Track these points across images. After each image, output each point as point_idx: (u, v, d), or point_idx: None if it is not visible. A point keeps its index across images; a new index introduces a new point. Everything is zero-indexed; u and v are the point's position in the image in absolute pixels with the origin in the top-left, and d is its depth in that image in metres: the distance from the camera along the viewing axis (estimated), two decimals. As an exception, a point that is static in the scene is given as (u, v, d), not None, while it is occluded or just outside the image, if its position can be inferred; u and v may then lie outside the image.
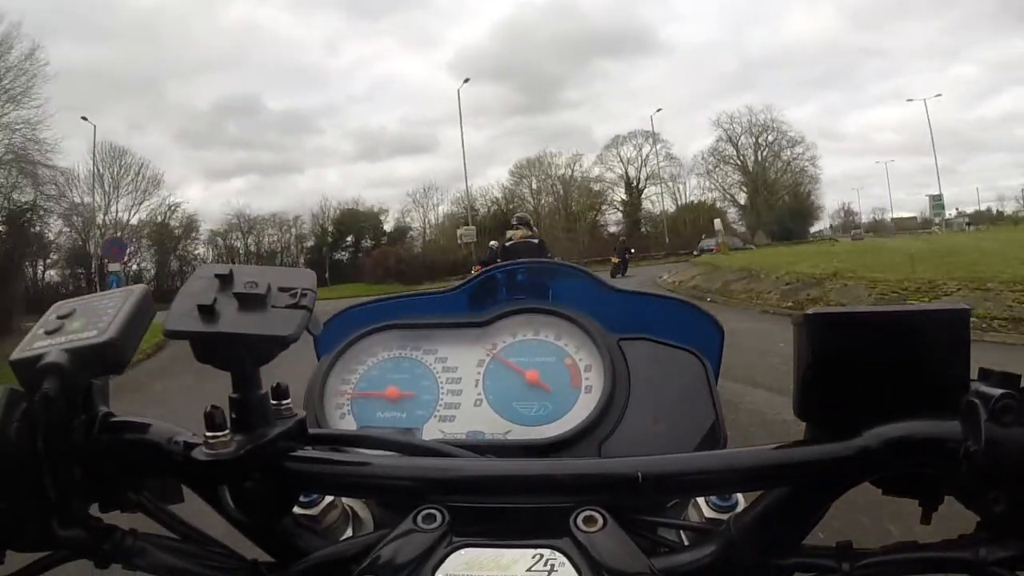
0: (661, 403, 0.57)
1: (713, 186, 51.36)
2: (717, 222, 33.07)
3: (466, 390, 0.60)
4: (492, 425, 0.58)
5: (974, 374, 0.34)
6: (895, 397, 0.34)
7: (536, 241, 6.19)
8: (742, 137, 51.19)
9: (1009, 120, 69.06)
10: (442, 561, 0.33)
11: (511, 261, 0.75)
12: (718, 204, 49.82)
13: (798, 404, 0.36)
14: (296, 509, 0.46)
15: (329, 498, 0.49)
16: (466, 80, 39.54)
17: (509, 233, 6.44)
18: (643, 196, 49.30)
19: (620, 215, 49.04)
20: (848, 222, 56.71)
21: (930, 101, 49.13)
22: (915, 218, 54.45)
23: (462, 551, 0.34)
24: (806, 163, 51.16)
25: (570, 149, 51.51)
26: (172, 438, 0.37)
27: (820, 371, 0.34)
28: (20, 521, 0.34)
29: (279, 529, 0.39)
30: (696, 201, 49.89)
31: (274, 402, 0.39)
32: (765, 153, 50.92)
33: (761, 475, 0.36)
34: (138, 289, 0.40)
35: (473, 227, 34.65)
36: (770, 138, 50.76)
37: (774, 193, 49.75)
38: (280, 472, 0.37)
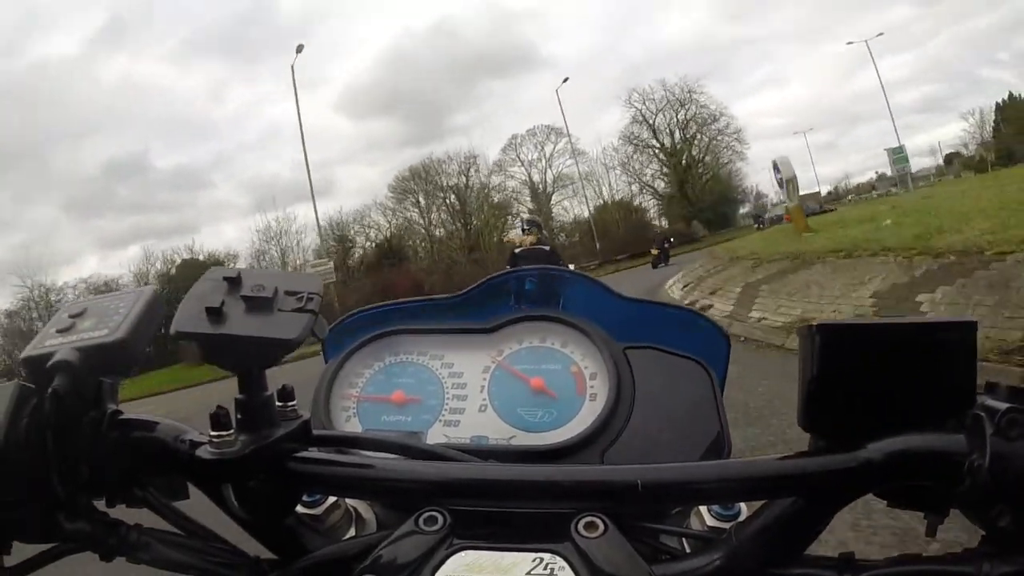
0: (666, 412, 0.57)
1: (631, 179, 44.92)
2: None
3: (471, 395, 0.61)
4: (496, 430, 0.58)
5: (981, 387, 0.34)
6: (901, 409, 0.34)
7: (547, 248, 6.01)
8: (658, 115, 45.08)
9: (880, 90, 72.49)
10: (442, 563, 0.33)
11: (518, 269, 0.75)
12: (636, 200, 43.97)
13: (802, 415, 0.36)
14: (299, 508, 0.46)
15: (333, 498, 0.49)
16: (299, 48, 29.75)
17: (519, 239, 6.20)
18: (552, 202, 42.61)
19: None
20: (759, 205, 52.13)
21: (857, 47, 44.21)
22: (817, 193, 51.44)
23: (462, 553, 0.34)
24: (731, 139, 45.31)
25: (461, 153, 42.36)
26: (178, 436, 0.38)
27: (825, 382, 0.34)
28: (27, 514, 0.34)
29: (282, 527, 0.40)
30: (620, 198, 43.97)
31: (280, 404, 0.39)
32: (687, 131, 44.71)
33: (763, 485, 0.35)
34: (148, 290, 0.40)
35: (329, 262, 26.40)
36: (691, 111, 44.79)
37: (700, 176, 44.04)
38: (284, 472, 0.37)
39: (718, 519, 0.47)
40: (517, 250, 5.98)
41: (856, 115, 74.08)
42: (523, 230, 6.26)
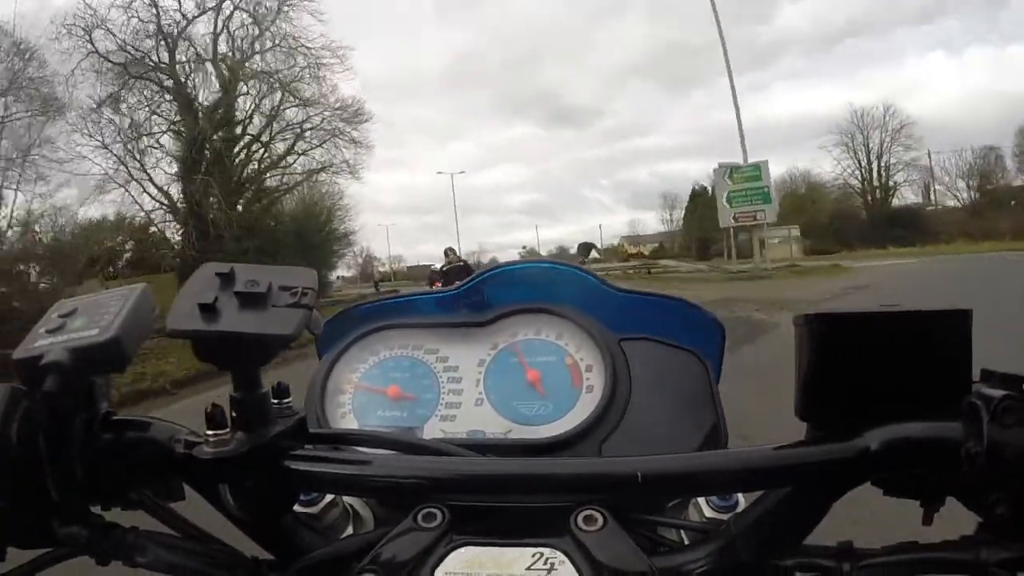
0: (662, 403, 0.57)
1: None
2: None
3: (467, 389, 0.60)
4: (493, 424, 0.58)
5: (976, 375, 0.34)
6: (897, 398, 0.34)
7: (462, 263, 9.08)
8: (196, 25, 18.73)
9: (495, 190, 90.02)
10: (442, 559, 0.33)
11: (511, 262, 0.75)
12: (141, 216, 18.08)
13: (799, 404, 0.36)
14: (297, 507, 0.46)
15: (330, 496, 0.49)
16: None
17: (447, 259, 9.40)
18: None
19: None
20: (366, 272, 46.61)
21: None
22: (430, 266, 48.75)
23: (462, 549, 0.34)
24: (340, 115, 20.27)
25: None
26: (173, 436, 0.37)
27: (821, 372, 0.34)
28: (21, 519, 0.34)
29: (280, 527, 0.39)
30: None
31: (275, 401, 0.39)
32: (242, 52, 19.00)
33: (761, 476, 0.35)
34: (139, 288, 0.40)
35: None
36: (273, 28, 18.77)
37: (260, 162, 20.24)
38: (280, 471, 0.37)
39: (716, 510, 0.47)
40: (445, 268, 8.92)
41: (472, 207, 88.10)
42: (445, 253, 9.69)
